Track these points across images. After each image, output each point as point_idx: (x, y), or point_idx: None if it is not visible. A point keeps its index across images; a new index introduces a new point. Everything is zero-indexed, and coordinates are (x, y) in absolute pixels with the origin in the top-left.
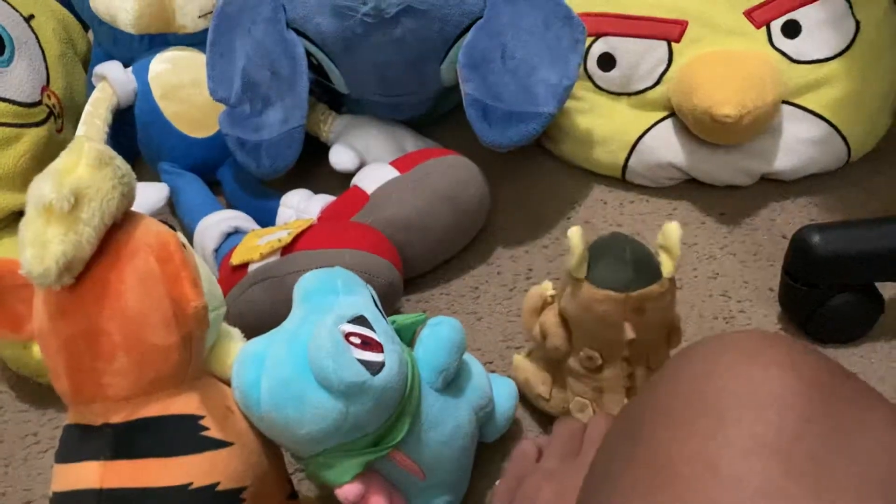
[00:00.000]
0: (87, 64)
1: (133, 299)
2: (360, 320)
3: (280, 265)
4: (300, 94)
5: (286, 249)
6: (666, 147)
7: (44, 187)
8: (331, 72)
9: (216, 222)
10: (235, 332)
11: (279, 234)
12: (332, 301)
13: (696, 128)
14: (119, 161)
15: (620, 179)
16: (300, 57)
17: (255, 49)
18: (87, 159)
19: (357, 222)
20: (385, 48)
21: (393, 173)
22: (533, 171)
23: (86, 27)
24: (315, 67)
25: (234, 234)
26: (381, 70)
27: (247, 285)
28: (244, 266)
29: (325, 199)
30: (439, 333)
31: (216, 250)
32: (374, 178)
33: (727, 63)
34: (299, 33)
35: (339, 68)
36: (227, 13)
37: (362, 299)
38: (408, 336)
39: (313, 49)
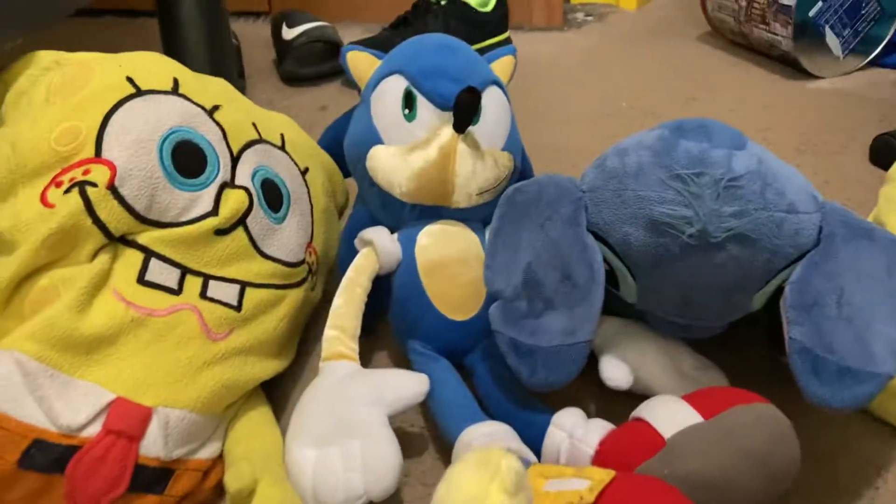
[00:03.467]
0: (342, 214)
1: None
2: None
3: None
4: (594, 307)
5: None
6: None
7: None
8: (624, 282)
9: (485, 440)
10: None
11: (575, 485)
12: None
13: None
14: (526, 482)
15: None
16: (599, 265)
17: (547, 248)
18: (503, 484)
19: (662, 481)
20: (700, 272)
21: (694, 416)
22: (831, 421)
23: (345, 174)
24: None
25: None
26: (688, 292)
27: None
28: None
29: (604, 427)
30: None
31: None
32: (670, 418)
33: None
34: (597, 237)
35: (637, 282)
36: (518, 202)
37: None
38: None
39: (611, 256)
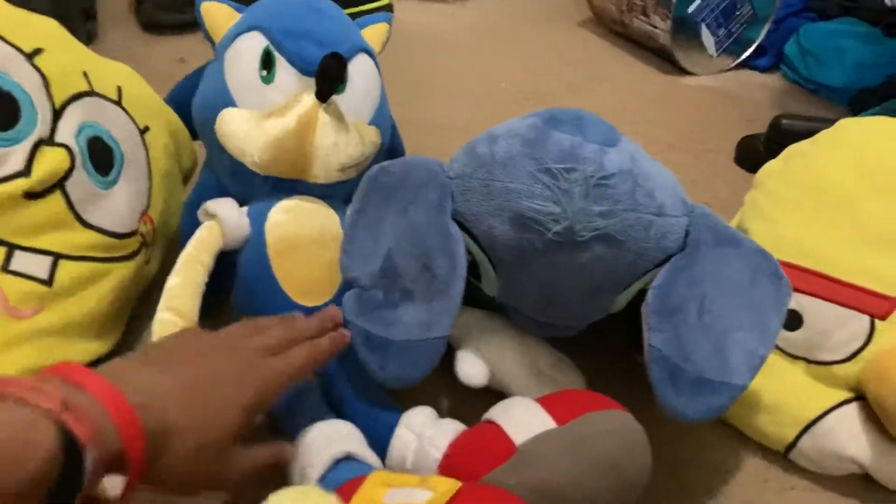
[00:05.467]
0: (188, 180)
1: None
2: None
3: None
4: (453, 301)
5: None
6: (848, 436)
7: None
8: (485, 275)
9: (326, 442)
10: None
11: (418, 496)
12: None
13: (893, 426)
14: None
15: (781, 455)
16: (461, 257)
17: (408, 234)
18: None
19: (507, 493)
20: (563, 270)
21: (547, 422)
22: (685, 427)
23: (194, 136)
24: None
25: (346, 461)
26: (549, 291)
27: None
28: None
29: (455, 429)
30: None
31: (321, 479)
32: (523, 423)
33: None
34: (462, 227)
35: (499, 276)
36: (382, 183)
37: None
38: None
39: (474, 248)
